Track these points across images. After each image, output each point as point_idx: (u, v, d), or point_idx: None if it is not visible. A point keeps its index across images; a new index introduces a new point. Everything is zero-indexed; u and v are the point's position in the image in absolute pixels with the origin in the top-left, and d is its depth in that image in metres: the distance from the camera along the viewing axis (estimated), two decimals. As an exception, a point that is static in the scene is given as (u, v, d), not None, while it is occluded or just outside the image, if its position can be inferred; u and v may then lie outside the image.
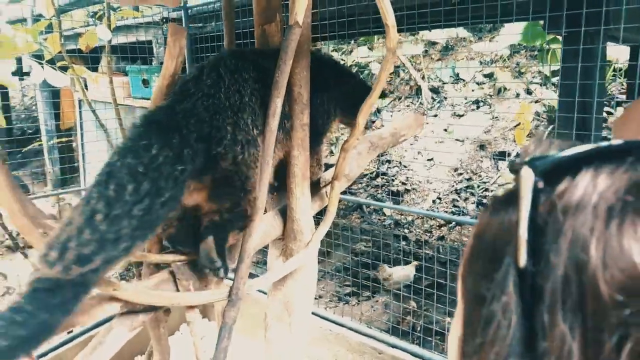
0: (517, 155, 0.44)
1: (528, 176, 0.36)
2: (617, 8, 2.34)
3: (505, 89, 6.64)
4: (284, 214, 1.82)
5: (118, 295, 1.33)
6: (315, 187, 1.96)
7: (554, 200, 0.35)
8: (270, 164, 1.49)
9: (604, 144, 0.36)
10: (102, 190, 1.15)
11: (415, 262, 4.18)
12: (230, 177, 1.41)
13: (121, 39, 5.32)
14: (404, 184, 6.42)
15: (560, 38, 2.77)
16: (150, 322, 1.60)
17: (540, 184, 0.35)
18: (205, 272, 1.47)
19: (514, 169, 0.39)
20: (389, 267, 4.23)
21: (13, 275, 4.92)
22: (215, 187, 1.42)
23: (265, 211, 1.92)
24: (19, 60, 6.60)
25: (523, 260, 0.34)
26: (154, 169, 1.19)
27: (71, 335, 3.15)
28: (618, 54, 5.50)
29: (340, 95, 1.93)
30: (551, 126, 5.48)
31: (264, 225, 1.75)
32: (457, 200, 5.86)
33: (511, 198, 0.39)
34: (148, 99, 5.50)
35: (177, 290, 1.47)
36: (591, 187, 0.33)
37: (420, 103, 7.18)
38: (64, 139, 7.20)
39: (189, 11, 4.42)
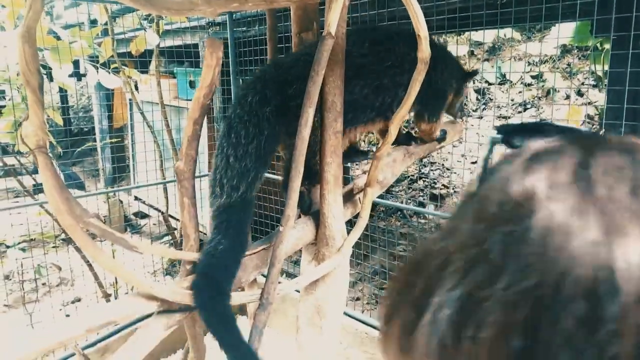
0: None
1: (492, 133, 0.53)
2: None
3: (554, 90, 6.41)
4: (317, 219, 1.85)
5: (155, 294, 1.40)
6: (349, 194, 1.98)
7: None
8: (301, 172, 1.52)
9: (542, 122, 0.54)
10: (227, 140, 1.68)
11: None
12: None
13: (170, 42, 5.52)
14: (446, 187, 6.32)
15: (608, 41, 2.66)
16: (187, 321, 1.67)
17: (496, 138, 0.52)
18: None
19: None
20: None
21: (67, 267, 5.21)
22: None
23: (300, 216, 1.97)
24: (76, 63, 6.98)
25: (475, 186, 0.49)
26: (252, 113, 1.66)
27: (116, 328, 3.31)
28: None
29: (450, 74, 2.19)
30: (602, 131, 5.25)
31: (297, 231, 1.78)
32: (501, 205, 5.71)
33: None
34: (194, 100, 5.68)
35: (211, 292, 1.53)
36: (522, 150, 0.46)
37: (465, 104, 7.04)
38: (115, 139, 7.53)
39: (234, 15, 4.53)
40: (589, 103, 5.92)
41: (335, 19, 1.49)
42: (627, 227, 0.34)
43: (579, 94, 6.29)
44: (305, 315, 1.84)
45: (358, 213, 1.97)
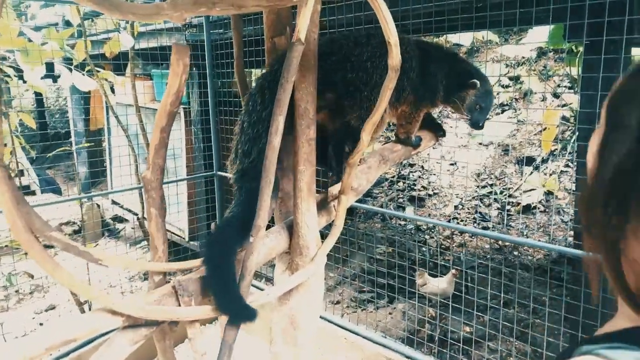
0: None
1: None
2: (640, 16, 2.25)
3: (531, 92, 6.48)
4: (290, 228, 1.81)
5: (118, 310, 1.35)
6: (323, 202, 1.95)
7: None
8: (272, 182, 1.49)
9: None
10: (245, 108, 1.81)
11: (454, 271, 4.05)
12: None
13: (147, 44, 5.43)
14: (425, 188, 6.34)
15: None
16: (156, 334, 1.62)
17: None
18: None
19: None
20: (430, 274, 4.15)
21: (41, 274, 5.08)
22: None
23: (273, 224, 1.93)
24: (51, 66, 6.82)
25: None
26: (273, 81, 1.65)
27: (75, 345, 3.21)
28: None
29: (444, 73, 2.22)
30: (577, 134, 5.32)
31: (270, 240, 1.75)
32: (480, 206, 5.75)
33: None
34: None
35: (179, 305, 1.48)
36: None
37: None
38: (91, 142, 7.38)
39: (210, 17, 4.47)
40: (564, 105, 5.99)
41: (305, 24, 1.46)
42: None
43: (555, 96, 6.37)
44: (279, 326, 1.81)
45: (333, 221, 1.94)
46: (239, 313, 1.47)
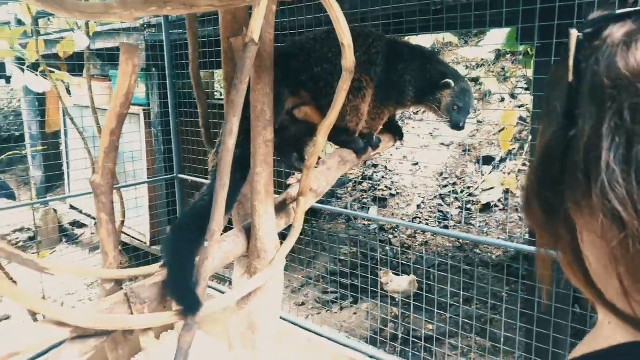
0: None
1: (574, 33, 0.59)
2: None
3: (490, 93, 6.65)
4: (249, 231, 1.79)
5: (66, 321, 1.30)
6: (282, 204, 1.93)
7: (587, 46, 0.58)
8: (227, 185, 1.46)
9: (620, 11, 0.58)
10: None
11: (414, 277, 4.10)
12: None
13: (105, 44, 5.28)
14: (389, 188, 6.40)
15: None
16: (108, 344, 1.57)
17: (580, 37, 0.58)
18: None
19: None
20: (394, 273, 4.18)
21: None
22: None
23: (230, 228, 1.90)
24: (2, 66, 6.53)
25: (570, 77, 0.58)
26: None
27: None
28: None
29: (415, 73, 2.19)
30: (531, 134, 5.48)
31: (227, 244, 1.72)
32: (442, 205, 5.85)
33: (565, 54, 0.61)
34: (132, 104, 5.47)
35: (131, 313, 1.44)
36: (608, 34, 0.56)
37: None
38: (47, 145, 7.13)
39: (169, 17, 4.39)
40: (521, 106, 6.17)
41: (258, 25, 1.44)
42: None
43: (513, 96, 6.55)
44: (237, 330, 1.78)
45: (292, 223, 1.93)
46: (187, 301, 1.45)
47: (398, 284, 4.08)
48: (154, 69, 4.96)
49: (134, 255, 5.58)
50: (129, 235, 5.72)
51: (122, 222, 5.22)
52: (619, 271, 0.52)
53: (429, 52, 2.41)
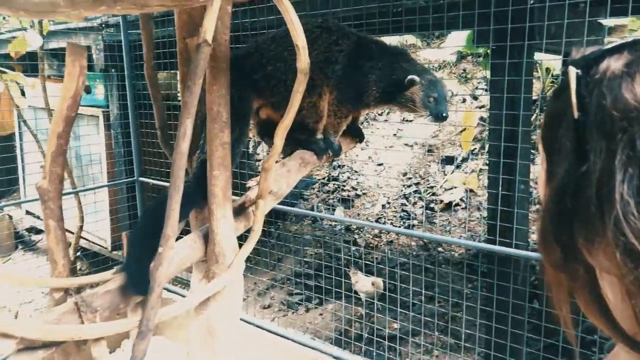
0: (569, 58, 0.66)
1: (572, 70, 0.59)
2: (540, 23, 2.40)
3: (452, 94, 6.78)
4: (206, 235, 1.76)
5: (10, 332, 1.24)
6: (241, 207, 1.91)
7: (588, 80, 0.58)
8: (181, 189, 1.43)
9: (612, 44, 0.61)
10: None
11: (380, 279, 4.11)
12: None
13: (60, 44, 5.12)
14: (354, 189, 6.44)
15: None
16: (58, 356, 1.51)
17: (579, 73, 0.59)
18: None
19: (566, 66, 0.64)
20: (363, 274, 4.18)
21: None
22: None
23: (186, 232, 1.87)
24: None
25: (576, 113, 0.58)
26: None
27: None
28: (556, 62, 5.69)
29: (380, 73, 2.13)
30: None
31: (183, 249, 1.69)
32: (406, 205, 5.93)
33: (563, 88, 0.63)
34: (90, 106, 5.32)
35: (82, 322, 1.39)
36: (607, 66, 0.58)
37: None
38: (0, 149, 6.85)
39: (128, 17, 4.28)
40: (482, 106, 6.32)
41: (211, 25, 1.42)
42: None
43: (474, 98, 6.70)
44: (196, 337, 1.75)
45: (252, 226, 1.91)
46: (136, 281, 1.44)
47: (366, 283, 4.10)
48: (112, 70, 4.83)
49: (94, 260, 5.43)
50: (88, 241, 5.55)
51: (81, 227, 5.07)
52: (634, 306, 0.52)
53: (399, 50, 2.34)
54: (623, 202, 0.51)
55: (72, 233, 5.13)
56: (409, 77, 2.08)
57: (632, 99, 0.53)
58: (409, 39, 7.23)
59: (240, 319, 3.30)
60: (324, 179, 6.82)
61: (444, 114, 2.11)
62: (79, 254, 5.50)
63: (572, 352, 2.45)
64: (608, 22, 3.48)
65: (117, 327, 1.41)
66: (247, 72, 2.04)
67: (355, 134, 2.48)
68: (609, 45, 0.61)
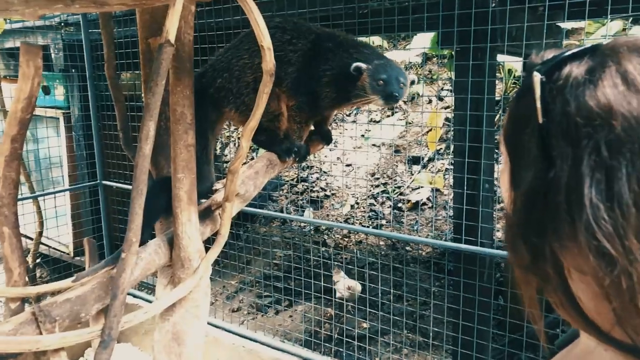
0: (530, 61, 0.69)
1: (536, 76, 0.60)
2: (502, 26, 2.46)
3: (418, 95, 6.87)
4: (172, 240, 1.72)
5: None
6: (207, 210, 1.88)
7: (551, 86, 0.60)
8: (144, 193, 1.40)
9: (573, 50, 0.61)
10: None
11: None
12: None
13: (16, 43, 4.92)
14: (324, 190, 6.45)
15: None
16: (16, 367, 1.45)
17: (543, 79, 0.60)
18: None
19: (527, 70, 0.66)
20: (343, 275, 4.16)
21: None
22: None
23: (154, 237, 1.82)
24: None
25: (541, 119, 0.59)
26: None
27: None
28: (518, 64, 5.84)
29: (334, 72, 2.04)
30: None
31: (148, 254, 1.64)
32: (374, 205, 5.97)
33: (524, 92, 0.64)
34: (50, 107, 5.14)
35: (40, 333, 1.34)
36: (569, 73, 0.59)
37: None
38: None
39: (88, 16, 4.16)
40: (448, 107, 6.43)
41: (174, 25, 1.39)
42: None
43: (440, 98, 6.80)
44: (161, 344, 1.71)
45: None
46: None
47: (341, 285, 4.10)
48: (73, 70, 4.69)
49: (55, 267, 5.25)
50: (49, 247, 5.37)
51: (40, 233, 4.90)
52: (613, 307, 0.52)
53: (354, 43, 2.14)
54: (593, 207, 0.52)
55: (32, 239, 4.95)
56: (355, 65, 1.94)
57: (596, 105, 0.54)
58: (376, 40, 7.29)
59: (208, 323, 3.25)
60: (292, 180, 6.81)
61: (394, 94, 1.95)
62: (38, 260, 5.31)
63: (535, 346, 2.52)
64: (566, 25, 3.59)
65: (78, 336, 1.36)
66: (203, 88, 2.08)
67: (324, 137, 2.45)
68: (571, 51, 0.61)
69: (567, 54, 0.61)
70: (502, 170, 0.75)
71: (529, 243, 0.61)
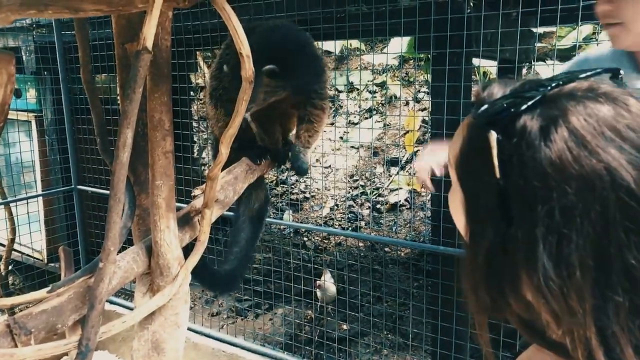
0: (475, 105, 0.67)
1: (493, 135, 0.60)
2: (477, 32, 2.50)
3: (396, 97, 6.93)
4: (150, 248, 1.70)
5: None
6: (186, 217, 1.86)
7: (505, 144, 0.59)
8: (122, 201, 1.38)
9: (525, 104, 0.60)
10: None
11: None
12: None
13: (-15, 45, 4.80)
14: (303, 192, 6.45)
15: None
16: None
17: (499, 137, 0.59)
18: None
19: (478, 116, 0.65)
20: (329, 278, 4.15)
21: None
22: None
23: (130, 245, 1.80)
24: None
25: (498, 175, 0.59)
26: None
27: None
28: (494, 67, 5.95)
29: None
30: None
31: (126, 262, 1.62)
32: (354, 207, 6.00)
33: (479, 147, 0.62)
34: (22, 110, 5.02)
35: (16, 345, 1.31)
36: (523, 129, 0.59)
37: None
38: None
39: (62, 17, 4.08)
40: (424, 109, 6.51)
41: (151, 32, 1.37)
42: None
43: (417, 101, 6.88)
44: (140, 353, 1.69)
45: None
46: None
47: (328, 288, 4.11)
48: (45, 73, 4.59)
49: (29, 274, 5.12)
50: (22, 253, 5.24)
51: (12, 240, 4.78)
52: (571, 341, 0.56)
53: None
54: (545, 270, 0.55)
55: (4, 246, 4.83)
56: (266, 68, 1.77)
57: (550, 168, 0.55)
58: (353, 43, 7.33)
59: (188, 328, 3.22)
60: (272, 182, 6.79)
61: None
62: (11, 267, 5.18)
63: (512, 345, 2.57)
64: (539, 30, 3.68)
65: (54, 348, 1.33)
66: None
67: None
68: (524, 105, 0.60)
69: (520, 108, 0.60)
70: (452, 193, 0.77)
71: (491, 292, 0.64)
